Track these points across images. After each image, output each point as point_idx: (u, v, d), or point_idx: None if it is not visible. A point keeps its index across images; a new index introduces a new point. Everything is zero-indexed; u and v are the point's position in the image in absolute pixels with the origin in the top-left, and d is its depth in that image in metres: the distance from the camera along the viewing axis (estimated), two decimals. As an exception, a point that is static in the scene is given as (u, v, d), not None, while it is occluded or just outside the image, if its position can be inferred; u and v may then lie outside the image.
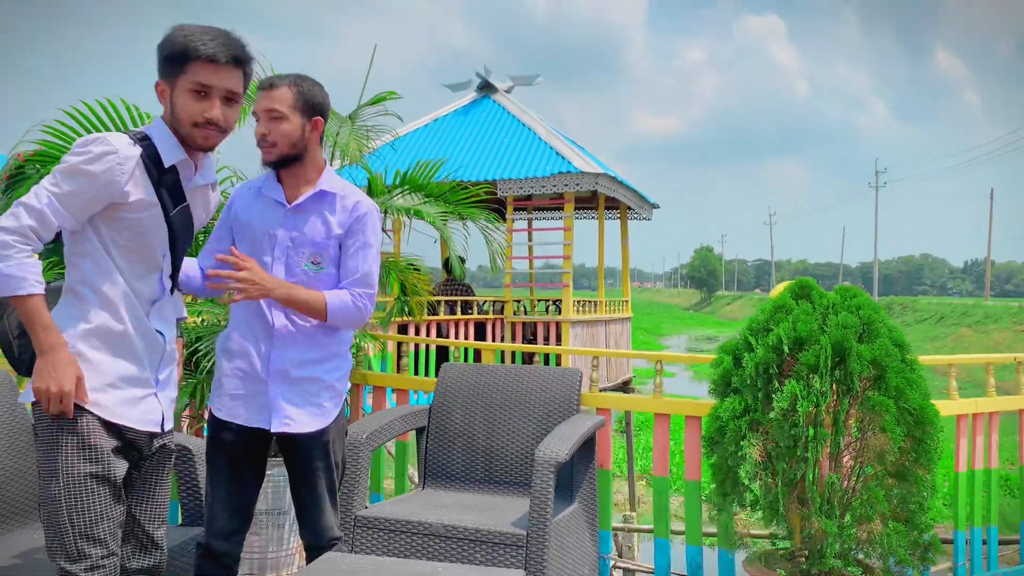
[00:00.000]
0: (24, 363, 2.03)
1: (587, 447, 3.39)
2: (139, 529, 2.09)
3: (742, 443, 2.77)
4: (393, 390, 4.12)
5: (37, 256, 1.93)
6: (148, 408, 2.04)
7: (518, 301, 10.29)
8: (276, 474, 3.62)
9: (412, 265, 4.19)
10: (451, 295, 9.66)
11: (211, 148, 2.06)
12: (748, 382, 2.81)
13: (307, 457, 2.56)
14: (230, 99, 2.00)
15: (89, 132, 3.56)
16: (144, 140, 1.96)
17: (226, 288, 2.30)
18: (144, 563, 2.09)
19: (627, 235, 11.90)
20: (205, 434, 2.59)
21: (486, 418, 3.56)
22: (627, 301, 11.91)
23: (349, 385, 2.66)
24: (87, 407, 1.92)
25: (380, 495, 4.09)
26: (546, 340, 9.38)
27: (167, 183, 1.99)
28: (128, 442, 1.99)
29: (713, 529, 3.20)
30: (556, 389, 3.54)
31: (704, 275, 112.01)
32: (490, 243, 4.02)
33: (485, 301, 10.11)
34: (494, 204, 9.69)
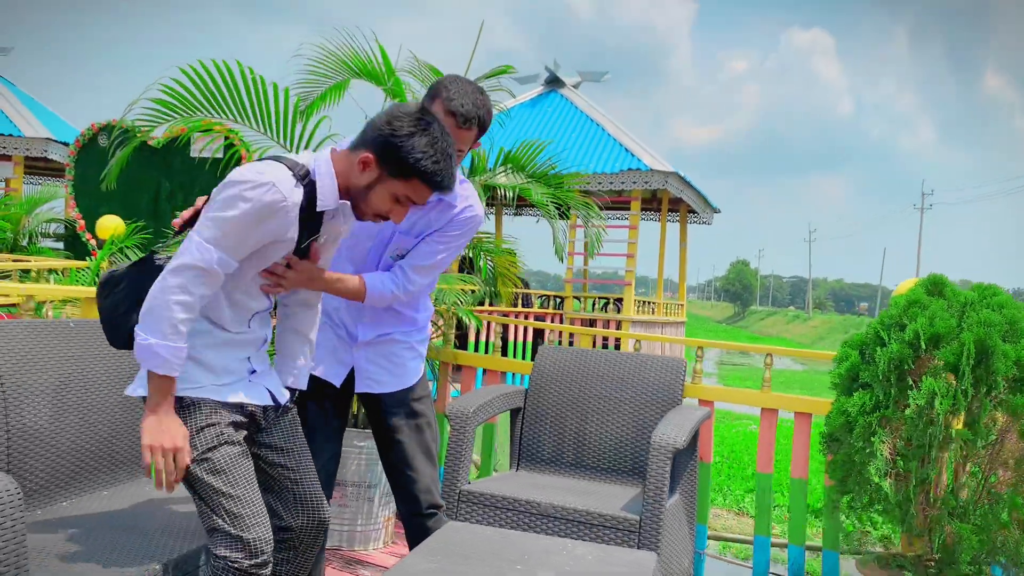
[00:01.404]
0: (123, 336, 2.00)
1: (691, 438, 3.31)
2: (297, 488, 2.11)
3: (872, 439, 2.67)
4: (485, 371, 4.07)
5: None
6: (254, 388, 2.06)
7: (577, 297, 10.23)
8: (368, 447, 3.58)
9: (507, 249, 4.14)
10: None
11: None
12: (880, 377, 2.71)
13: (393, 415, 2.56)
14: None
15: (205, 96, 3.56)
16: (306, 181, 1.92)
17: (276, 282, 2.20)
18: (301, 521, 2.11)
19: (687, 238, 11.77)
20: None
21: (585, 403, 3.49)
22: (683, 305, 11.79)
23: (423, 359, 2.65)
24: (201, 395, 1.94)
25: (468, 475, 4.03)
26: (604, 339, 9.30)
27: (310, 221, 1.98)
28: (248, 415, 2.02)
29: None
30: (659, 378, 3.46)
31: (739, 289, 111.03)
32: (588, 228, 3.95)
33: (544, 296, 10.06)
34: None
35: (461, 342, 5.80)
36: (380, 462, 3.62)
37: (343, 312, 2.55)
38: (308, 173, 1.92)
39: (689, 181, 10.00)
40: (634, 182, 9.04)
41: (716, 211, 12.04)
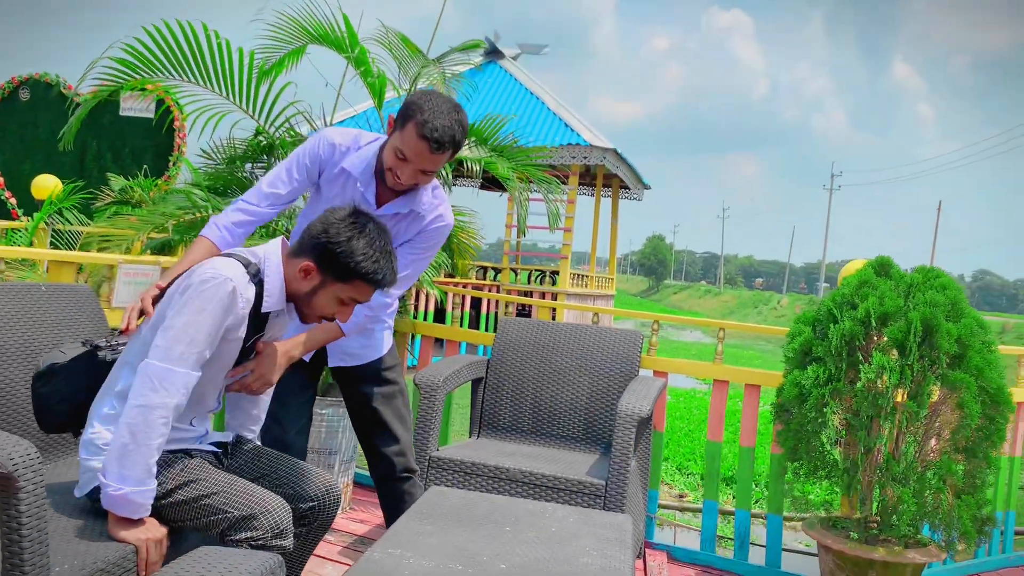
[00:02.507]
0: (55, 423, 2.03)
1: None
2: (294, 470, 2.17)
3: (824, 410, 2.85)
4: (446, 342, 4.13)
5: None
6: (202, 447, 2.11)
7: (514, 270, 10.34)
8: (329, 414, 3.62)
9: (462, 224, 4.19)
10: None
11: None
12: (833, 352, 2.89)
13: (366, 384, 2.63)
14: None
15: (167, 57, 3.49)
16: (257, 280, 1.97)
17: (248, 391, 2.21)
18: (316, 489, 2.17)
19: (618, 213, 11.99)
20: None
21: (545, 373, 3.60)
22: (612, 279, 12.02)
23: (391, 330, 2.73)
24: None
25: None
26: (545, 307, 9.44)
27: (256, 319, 2.01)
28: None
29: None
30: (618, 350, 3.59)
31: (654, 263, 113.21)
32: (549, 202, 4.03)
33: (481, 267, 10.12)
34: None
35: (439, 315, 5.85)
36: (340, 430, 3.68)
37: None
38: (259, 271, 1.98)
39: (625, 158, 10.18)
40: (573, 157, 9.16)
41: (647, 187, 12.29)
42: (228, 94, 3.65)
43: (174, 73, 3.53)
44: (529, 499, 2.96)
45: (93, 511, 1.97)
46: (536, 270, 10.97)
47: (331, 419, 3.63)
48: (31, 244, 6.88)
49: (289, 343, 2.26)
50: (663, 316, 4.14)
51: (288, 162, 2.37)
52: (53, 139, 7.51)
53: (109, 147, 7.94)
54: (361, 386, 2.66)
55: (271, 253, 2.02)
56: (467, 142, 3.91)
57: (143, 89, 3.80)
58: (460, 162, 3.77)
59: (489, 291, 9.62)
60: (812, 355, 3.00)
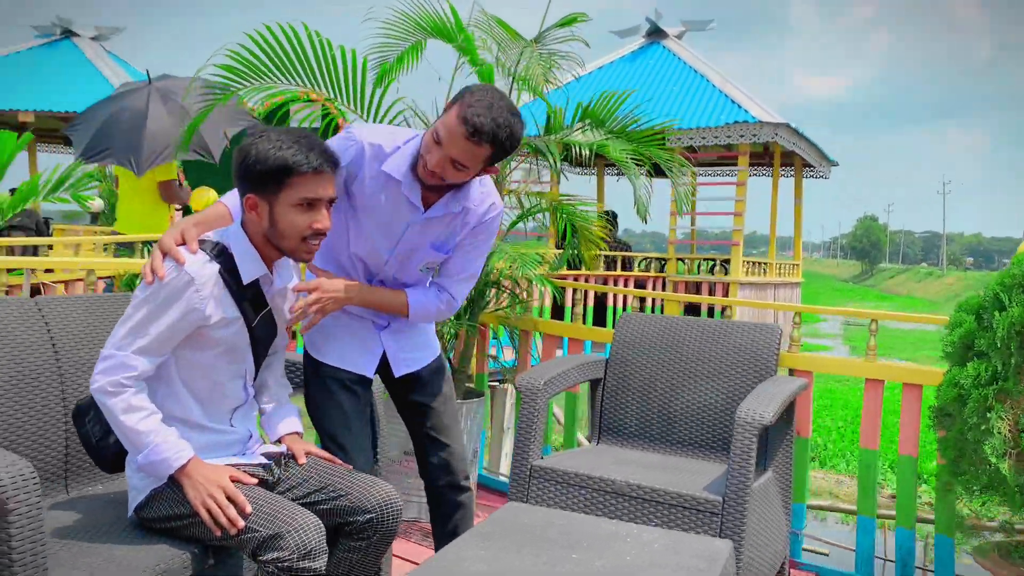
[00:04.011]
0: (108, 461, 2.02)
1: (785, 411, 3.05)
2: (352, 483, 2.06)
3: (988, 415, 2.35)
4: (569, 340, 3.90)
5: None
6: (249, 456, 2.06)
7: (681, 260, 9.87)
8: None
9: (585, 209, 3.92)
10: (609, 251, 9.36)
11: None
12: (999, 345, 2.38)
13: (426, 387, 2.46)
14: (331, 203, 1.96)
15: (273, 61, 3.49)
16: (221, 255, 1.91)
17: (305, 316, 2.13)
18: (376, 499, 2.05)
19: (802, 194, 11.15)
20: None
21: (670, 373, 3.27)
22: (798, 265, 11.21)
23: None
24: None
25: (548, 448, 3.90)
26: (711, 305, 8.91)
27: (247, 296, 1.95)
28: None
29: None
30: (751, 346, 3.20)
31: (866, 246, 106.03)
32: (676, 185, 3.69)
33: (645, 259, 9.75)
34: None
35: (557, 312, 5.64)
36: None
37: (363, 270, 2.37)
38: (220, 246, 1.91)
39: (802, 132, 9.40)
40: (741, 135, 8.56)
41: (833, 164, 11.34)
42: (336, 94, 3.61)
43: (282, 77, 3.52)
44: (636, 515, 2.67)
45: (139, 528, 1.93)
46: (706, 259, 10.41)
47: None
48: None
49: (350, 285, 2.19)
50: (806, 308, 3.67)
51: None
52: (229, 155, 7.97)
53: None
54: (421, 388, 2.48)
55: (232, 227, 1.96)
56: (580, 124, 3.65)
57: (309, 101, 3.83)
58: (568, 147, 3.51)
59: (655, 284, 9.23)
60: (975, 349, 2.49)
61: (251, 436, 2.08)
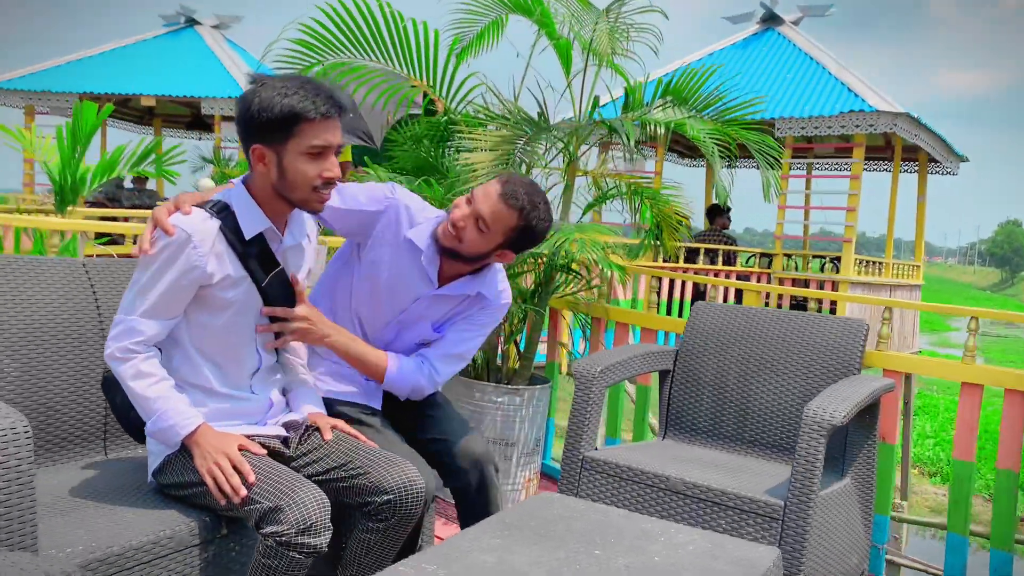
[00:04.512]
0: (137, 429, 1.97)
1: (868, 414, 2.79)
2: (373, 459, 1.98)
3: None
4: (641, 329, 3.71)
5: None
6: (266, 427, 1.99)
7: (788, 255, 9.40)
8: (505, 402, 3.38)
9: (668, 194, 3.72)
10: (713, 244, 9.01)
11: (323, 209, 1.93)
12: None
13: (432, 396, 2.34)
14: (339, 150, 1.87)
15: (346, 35, 3.45)
16: (223, 211, 1.84)
17: (283, 330, 2.02)
18: (396, 480, 1.95)
19: (925, 191, 10.43)
20: None
21: (743, 367, 3.05)
22: (918, 267, 10.51)
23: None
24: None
25: (617, 439, 3.74)
26: (819, 302, 8.44)
27: (253, 253, 1.87)
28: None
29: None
30: (833, 342, 2.94)
31: (1007, 252, 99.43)
32: (764, 169, 3.44)
33: (751, 255, 9.34)
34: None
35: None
36: (519, 420, 3.43)
37: (358, 327, 2.29)
38: (221, 203, 1.84)
39: (925, 123, 8.77)
40: (856, 125, 8.04)
41: (962, 159, 10.54)
42: (409, 69, 3.55)
43: (355, 51, 3.49)
44: (691, 515, 2.49)
45: (158, 494, 1.91)
46: (814, 255, 9.87)
47: (508, 408, 3.39)
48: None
49: (335, 326, 2.11)
50: (900, 303, 3.35)
51: (362, 189, 2.16)
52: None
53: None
54: (417, 409, 2.34)
55: (234, 185, 1.91)
56: (661, 103, 3.46)
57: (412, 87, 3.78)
58: (646, 126, 3.32)
59: (759, 280, 8.81)
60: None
61: (271, 404, 2.02)
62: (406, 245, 2.14)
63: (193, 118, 13.67)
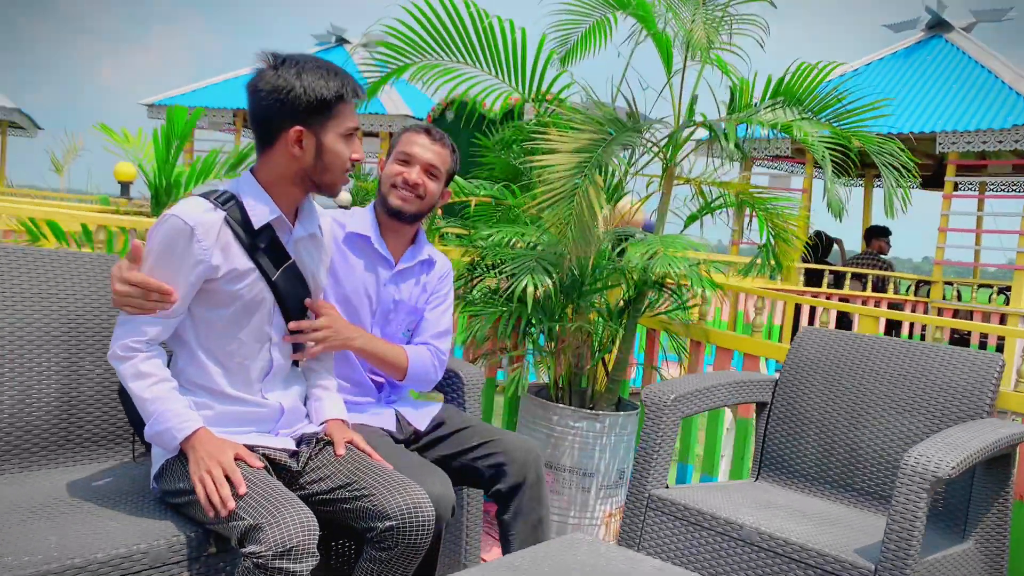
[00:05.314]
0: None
1: (998, 466, 2.33)
2: (378, 481, 1.83)
3: None
4: (743, 355, 3.35)
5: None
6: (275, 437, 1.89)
7: (949, 283, 8.51)
8: (584, 428, 3.11)
9: (780, 204, 3.34)
10: (865, 268, 8.28)
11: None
12: None
13: (455, 416, 2.34)
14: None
15: (434, 37, 3.33)
16: (229, 201, 1.77)
17: (306, 341, 1.97)
18: (399, 502, 1.80)
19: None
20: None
21: (851, 403, 2.65)
22: (1110, 300, 9.24)
23: None
24: None
25: (714, 477, 3.38)
26: (984, 337, 7.54)
27: (262, 245, 1.79)
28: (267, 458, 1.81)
29: None
30: (960, 378, 2.50)
31: None
32: (887, 176, 3.00)
33: (912, 284, 8.50)
34: (928, 165, 8.03)
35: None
36: (598, 448, 3.15)
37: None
38: (228, 194, 1.78)
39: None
40: (1035, 139, 7.18)
41: None
42: (497, 71, 3.38)
43: (442, 53, 3.35)
44: (765, 572, 2.14)
45: (157, 501, 1.80)
46: (981, 284, 8.86)
47: (586, 434, 3.12)
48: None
49: (355, 328, 2.12)
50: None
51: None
52: (467, 159, 8.05)
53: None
54: (442, 429, 2.31)
55: (242, 177, 1.85)
56: (771, 103, 3.11)
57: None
58: (746, 126, 2.98)
59: (915, 310, 7.98)
60: None
61: (283, 411, 1.88)
62: (351, 242, 2.23)
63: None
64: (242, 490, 1.60)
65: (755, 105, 3.15)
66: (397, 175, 2.23)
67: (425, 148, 2.25)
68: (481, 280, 3.35)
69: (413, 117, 10.85)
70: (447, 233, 4.05)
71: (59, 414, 2.02)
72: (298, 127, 1.74)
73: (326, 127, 1.76)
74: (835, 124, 3.09)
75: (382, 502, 1.74)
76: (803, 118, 3.08)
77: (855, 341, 2.78)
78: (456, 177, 3.31)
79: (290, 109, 1.72)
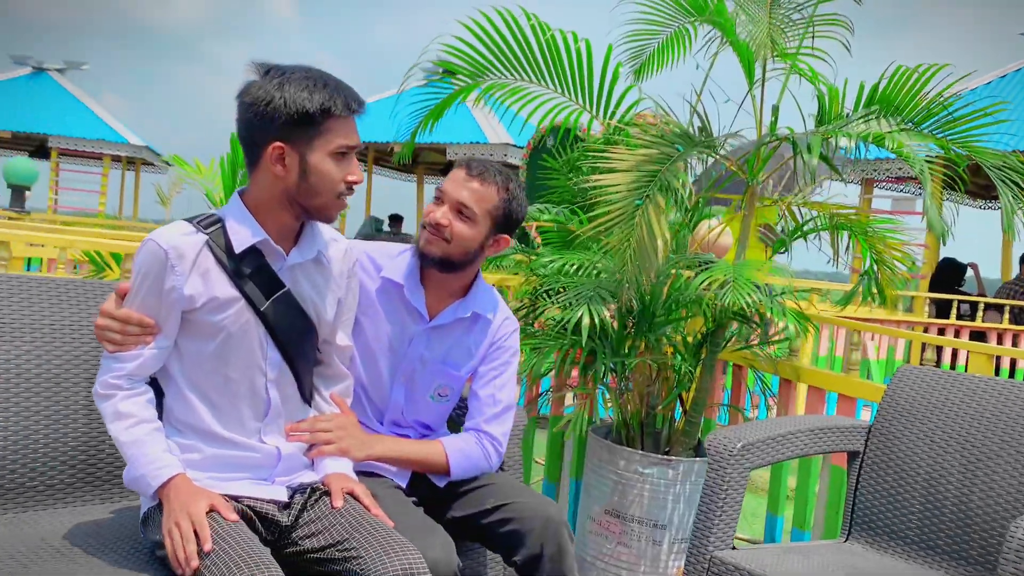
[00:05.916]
0: None
1: None
2: (372, 537, 1.65)
3: None
4: (838, 396, 2.98)
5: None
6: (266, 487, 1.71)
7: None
8: (654, 475, 2.83)
9: (882, 228, 2.98)
10: (1015, 298, 7.50)
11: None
12: None
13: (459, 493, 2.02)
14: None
15: (493, 52, 3.17)
16: (213, 225, 1.63)
17: (307, 442, 1.79)
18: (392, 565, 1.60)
19: None
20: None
21: (955, 454, 2.27)
22: None
23: None
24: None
25: (807, 532, 3.00)
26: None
27: (248, 271, 1.63)
28: (251, 511, 1.64)
29: None
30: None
31: None
32: (1003, 192, 2.61)
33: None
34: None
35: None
36: (671, 498, 2.86)
37: (370, 406, 2.06)
38: (213, 217, 1.64)
39: None
40: None
41: None
42: (563, 88, 3.18)
43: (504, 71, 3.18)
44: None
45: (141, 549, 1.67)
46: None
47: (657, 481, 2.84)
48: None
49: (375, 436, 1.94)
50: None
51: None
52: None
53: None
54: (460, 488, 2.01)
55: (231, 198, 1.70)
56: (864, 113, 2.77)
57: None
58: (834, 139, 2.65)
59: (1020, 339, 7.13)
60: None
61: (280, 457, 1.71)
62: (382, 287, 1.98)
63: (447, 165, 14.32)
64: (207, 546, 1.44)
65: (847, 116, 2.82)
66: (428, 214, 1.96)
67: (457, 185, 1.94)
68: (544, 310, 3.13)
69: (515, 146, 10.76)
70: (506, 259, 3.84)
71: (85, 448, 1.93)
72: (278, 143, 1.57)
73: (312, 144, 1.58)
74: (940, 135, 2.72)
75: (370, 565, 1.54)
76: (902, 129, 2.72)
77: (965, 382, 2.39)
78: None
79: (269, 123, 1.56)
